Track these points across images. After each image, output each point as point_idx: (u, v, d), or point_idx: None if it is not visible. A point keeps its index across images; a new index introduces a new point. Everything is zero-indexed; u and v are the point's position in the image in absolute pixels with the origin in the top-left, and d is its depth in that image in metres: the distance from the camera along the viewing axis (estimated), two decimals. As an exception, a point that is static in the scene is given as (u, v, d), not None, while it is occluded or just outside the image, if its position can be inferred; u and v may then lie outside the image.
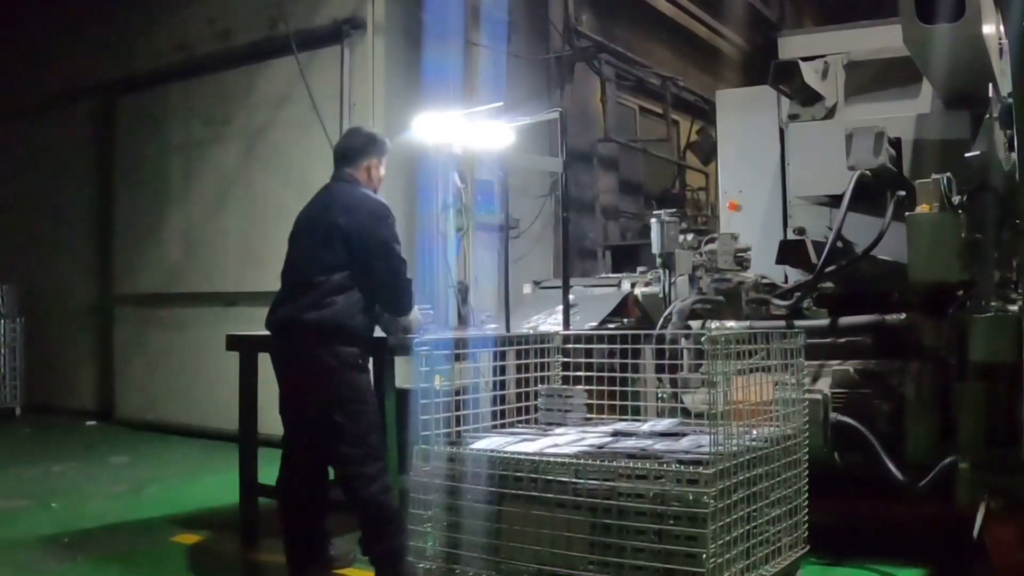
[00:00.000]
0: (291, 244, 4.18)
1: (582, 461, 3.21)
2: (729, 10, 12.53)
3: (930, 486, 4.16)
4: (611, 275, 6.82)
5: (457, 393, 3.75)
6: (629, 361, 3.94)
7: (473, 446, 3.53)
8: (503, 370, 4.42)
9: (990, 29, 4.30)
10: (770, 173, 5.81)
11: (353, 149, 4.23)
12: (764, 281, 5.20)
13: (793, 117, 5.61)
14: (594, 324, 5.28)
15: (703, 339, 3.23)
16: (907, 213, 4.17)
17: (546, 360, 4.21)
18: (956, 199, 4.08)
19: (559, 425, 3.99)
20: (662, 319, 5.01)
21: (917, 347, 4.57)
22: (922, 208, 4.07)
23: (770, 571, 3.32)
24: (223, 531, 5.16)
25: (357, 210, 4.02)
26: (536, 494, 3.24)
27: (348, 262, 3.95)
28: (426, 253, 7.18)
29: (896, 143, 4.93)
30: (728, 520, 3.04)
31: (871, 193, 4.73)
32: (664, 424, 3.90)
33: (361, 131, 4.48)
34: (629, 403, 4.01)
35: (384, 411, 4.32)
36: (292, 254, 4.15)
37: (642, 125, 11.24)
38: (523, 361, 4.19)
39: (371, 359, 4.14)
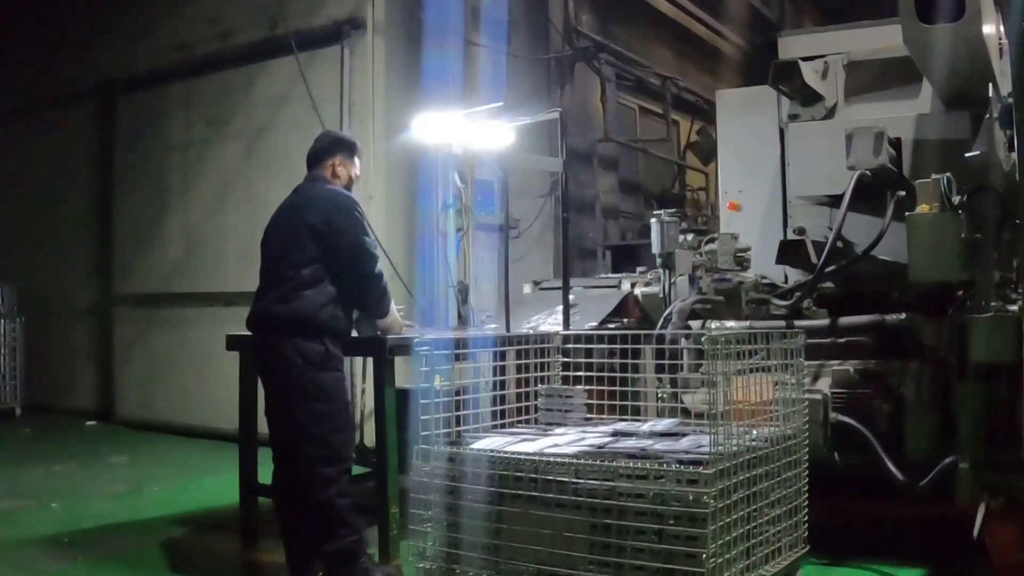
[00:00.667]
0: (263, 246, 4.21)
1: (582, 461, 3.21)
2: (729, 10, 12.53)
3: (930, 486, 4.16)
4: (611, 275, 6.82)
5: (457, 393, 3.75)
6: (629, 361, 3.94)
7: (473, 446, 3.53)
8: (503, 370, 4.42)
9: (990, 29, 4.30)
10: (770, 173, 5.80)
11: (319, 151, 4.29)
12: (764, 281, 5.20)
13: (793, 117, 5.60)
14: (594, 324, 5.28)
15: (703, 339, 3.23)
16: (907, 213, 4.17)
17: (546, 360, 4.21)
18: (956, 199, 4.08)
19: (559, 425, 3.99)
20: (662, 319, 5.01)
21: (917, 347, 4.57)
22: (922, 208, 4.07)
23: (770, 571, 3.32)
24: (223, 531, 5.16)
25: (323, 204, 4.06)
26: (536, 494, 3.25)
27: (318, 256, 3.98)
28: (426, 253, 7.18)
29: (896, 143, 4.93)
30: (728, 520, 3.04)
31: (871, 193, 4.73)
32: (664, 424, 3.90)
33: (328, 133, 4.56)
34: (629, 403, 4.01)
35: (384, 411, 4.32)
36: (265, 254, 4.19)
37: (642, 125, 11.24)
38: (523, 361, 4.19)
39: (343, 357, 4.09)
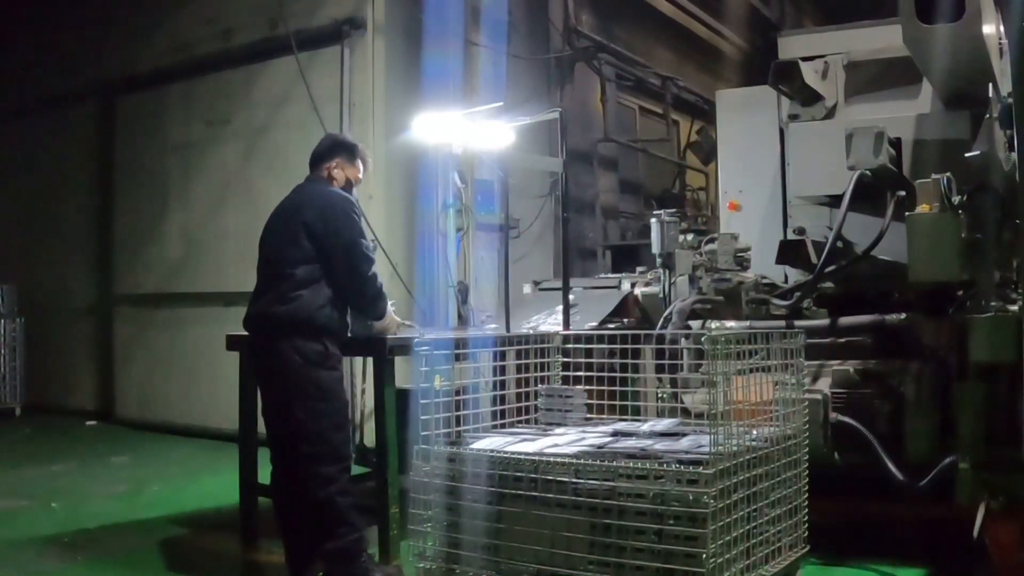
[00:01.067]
0: (261, 244, 4.24)
1: (582, 461, 3.21)
2: (729, 10, 12.54)
3: (930, 486, 4.16)
4: (611, 275, 6.82)
5: (457, 393, 3.75)
6: (629, 361, 3.94)
7: (473, 446, 3.53)
8: (503, 370, 4.42)
9: (990, 29, 4.30)
10: (770, 173, 5.81)
11: (318, 153, 4.32)
12: (764, 281, 5.20)
13: (793, 117, 5.61)
14: (594, 324, 5.28)
15: (703, 339, 3.23)
16: (907, 213, 4.17)
17: (546, 360, 4.21)
18: (956, 199, 4.08)
19: (559, 425, 3.99)
20: (662, 319, 5.01)
21: (917, 347, 4.57)
22: (922, 208, 4.07)
23: (770, 571, 3.32)
24: (223, 531, 5.16)
25: (319, 204, 4.08)
26: (536, 494, 3.24)
27: (314, 255, 4.00)
28: (426, 253, 7.18)
29: (896, 143, 4.93)
30: (728, 520, 3.04)
31: (871, 193, 4.73)
32: (664, 424, 3.90)
33: (329, 136, 4.60)
34: (629, 403, 4.01)
35: (384, 411, 4.33)
36: (262, 253, 4.22)
37: (642, 125, 11.23)
38: (523, 361, 4.19)
39: (342, 356, 4.11)
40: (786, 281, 5.40)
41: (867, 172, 4.63)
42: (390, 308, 4.31)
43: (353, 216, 4.09)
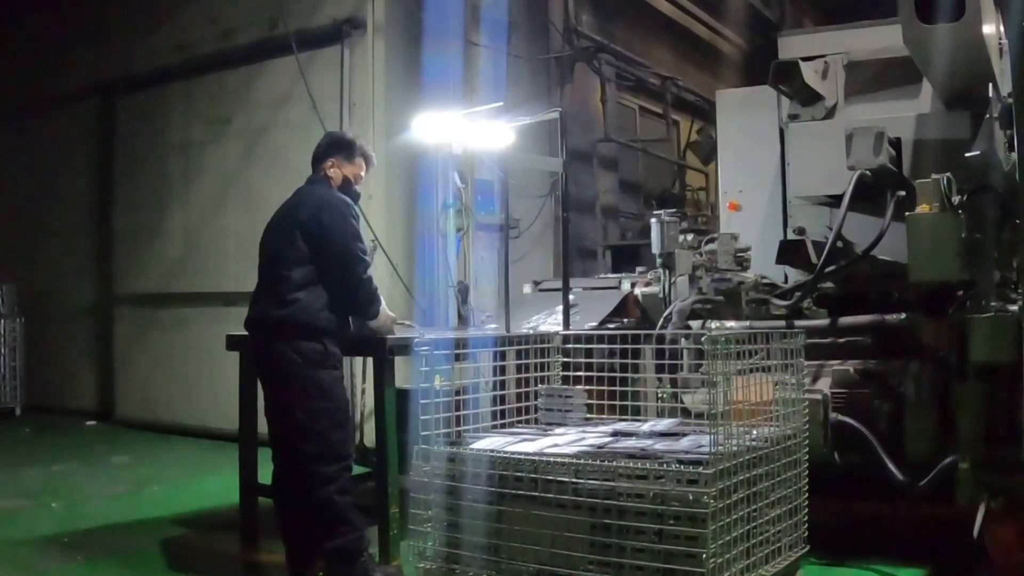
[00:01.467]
0: (261, 245, 4.24)
1: (582, 461, 3.21)
2: (729, 10, 12.54)
3: (930, 486, 4.16)
4: (611, 275, 6.83)
5: (457, 393, 3.75)
6: (629, 361, 3.94)
7: (473, 446, 3.53)
8: (503, 370, 4.42)
9: (990, 29, 4.30)
10: (770, 173, 5.82)
11: (317, 154, 4.32)
12: (764, 281, 5.20)
13: (793, 117, 5.61)
14: (594, 324, 5.28)
15: (703, 339, 3.23)
16: (907, 213, 4.17)
17: (546, 360, 4.21)
18: (956, 199, 4.08)
19: (559, 425, 3.99)
20: (662, 319, 5.01)
21: (917, 347, 4.57)
22: (922, 208, 4.07)
23: (770, 571, 3.31)
24: (223, 531, 5.16)
25: (315, 205, 4.08)
26: (536, 494, 3.24)
27: (310, 256, 4.00)
28: (426, 253, 7.19)
29: (896, 143, 4.93)
30: (728, 520, 3.03)
31: (871, 193, 4.73)
32: (664, 424, 3.90)
33: (326, 135, 4.58)
34: (629, 403, 4.01)
35: (384, 411, 4.33)
36: (262, 254, 4.23)
37: (642, 125, 11.24)
38: (523, 361, 4.19)
39: (342, 356, 4.11)
40: (786, 281, 5.41)
41: (867, 172, 4.64)
42: (385, 309, 4.30)
43: (349, 218, 4.08)
